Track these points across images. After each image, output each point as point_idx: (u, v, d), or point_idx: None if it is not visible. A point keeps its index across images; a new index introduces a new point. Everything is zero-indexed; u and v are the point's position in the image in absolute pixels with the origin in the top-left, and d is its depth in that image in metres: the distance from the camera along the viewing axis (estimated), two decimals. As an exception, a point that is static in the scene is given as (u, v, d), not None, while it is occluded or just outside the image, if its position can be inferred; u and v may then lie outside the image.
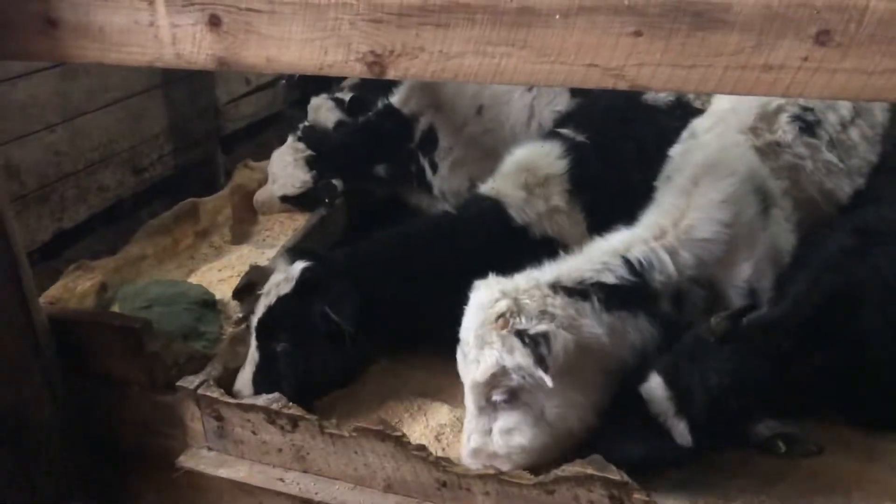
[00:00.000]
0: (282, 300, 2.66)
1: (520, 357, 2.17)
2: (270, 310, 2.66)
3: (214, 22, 2.02)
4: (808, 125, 2.95)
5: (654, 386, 2.21)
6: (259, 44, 2.01)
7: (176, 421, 2.58)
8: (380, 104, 4.15)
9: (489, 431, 2.29)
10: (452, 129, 3.99)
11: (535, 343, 2.16)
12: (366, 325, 2.65)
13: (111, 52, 2.16)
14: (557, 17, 1.76)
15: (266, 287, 2.74)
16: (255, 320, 2.70)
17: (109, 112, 4.42)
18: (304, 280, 2.68)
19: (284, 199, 4.16)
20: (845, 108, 3.11)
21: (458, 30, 1.84)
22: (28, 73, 3.86)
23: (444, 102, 4.00)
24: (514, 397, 2.23)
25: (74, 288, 3.14)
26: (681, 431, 2.15)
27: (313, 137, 4.22)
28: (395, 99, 4.08)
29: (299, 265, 2.72)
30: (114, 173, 4.48)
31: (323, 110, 4.72)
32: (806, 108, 2.98)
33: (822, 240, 2.64)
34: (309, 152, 4.10)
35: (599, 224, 2.73)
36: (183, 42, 2.08)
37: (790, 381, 2.21)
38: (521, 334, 2.19)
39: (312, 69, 2.01)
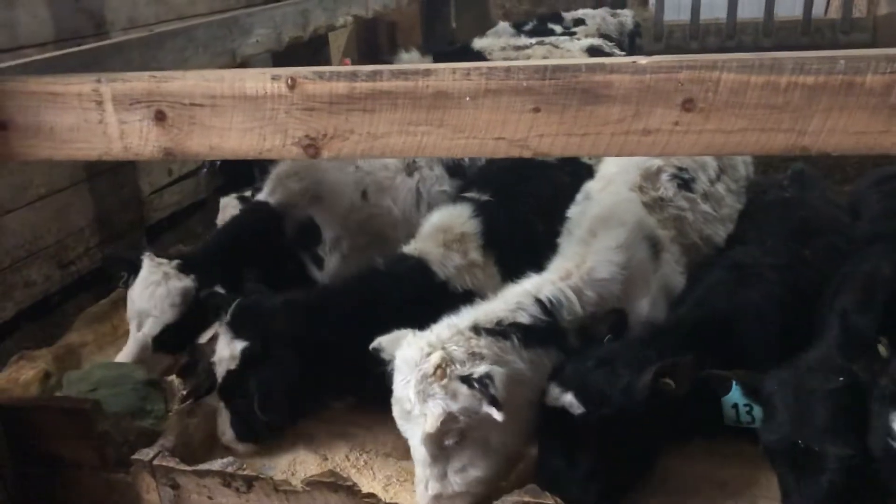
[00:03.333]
0: (231, 373, 2.93)
1: (464, 401, 2.38)
2: (224, 380, 2.95)
3: (160, 117, 2.23)
4: (684, 182, 3.43)
5: (550, 386, 2.51)
6: (202, 134, 2.23)
7: (130, 496, 2.67)
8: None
9: (445, 475, 2.46)
10: (337, 218, 3.85)
11: (483, 385, 2.36)
12: (310, 378, 2.94)
13: (61, 149, 2.33)
14: (468, 99, 2.04)
15: (217, 357, 2.97)
16: (218, 386, 3.00)
17: (34, 209, 4.47)
18: (245, 360, 2.92)
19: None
20: (712, 166, 3.61)
21: (383, 113, 2.10)
22: (-49, 174, 3.92)
23: (324, 192, 3.86)
24: (463, 437, 2.43)
25: (18, 378, 3.19)
26: (570, 402, 2.42)
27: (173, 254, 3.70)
28: (263, 192, 3.88)
29: (239, 345, 2.92)
30: (40, 268, 4.51)
31: (229, 209, 4.40)
32: (681, 168, 3.45)
33: (704, 275, 3.06)
34: (177, 261, 3.51)
35: (511, 275, 2.99)
36: (130, 136, 2.28)
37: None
38: (466, 380, 2.39)
39: (253, 154, 2.24)
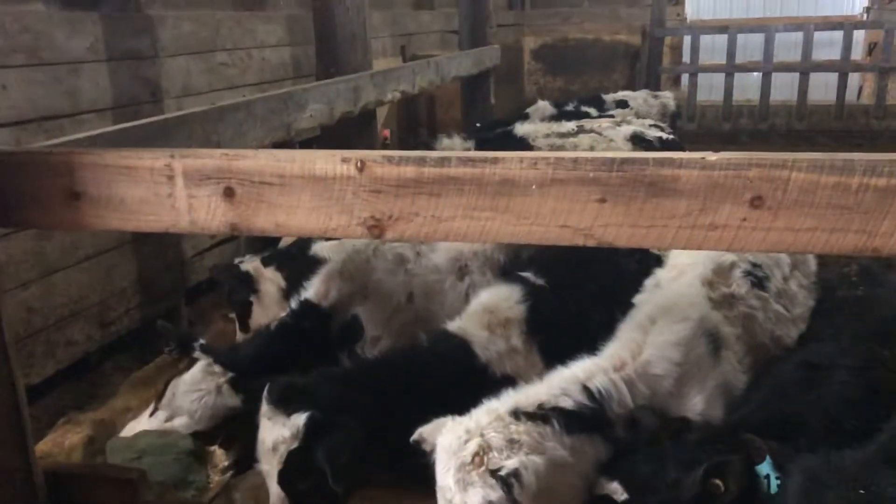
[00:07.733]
0: (293, 453, 2.80)
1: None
2: (287, 464, 2.80)
3: (229, 193, 2.27)
4: (758, 280, 3.34)
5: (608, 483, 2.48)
6: (269, 211, 2.26)
7: (172, 569, 2.64)
8: (293, 303, 3.85)
9: None
10: (381, 318, 3.81)
11: (506, 485, 2.33)
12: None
13: (130, 221, 2.37)
14: (534, 187, 2.07)
15: (270, 442, 2.85)
16: (274, 473, 2.82)
17: (81, 268, 4.55)
18: (308, 433, 2.82)
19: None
20: (785, 263, 3.54)
21: (449, 198, 2.12)
22: (6, 234, 3.98)
23: (371, 290, 3.85)
24: None
25: (63, 442, 3.21)
26: (613, 488, 2.43)
27: (224, 356, 3.54)
28: (311, 293, 3.81)
29: (300, 418, 2.83)
30: (82, 328, 4.56)
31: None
32: (755, 265, 3.38)
33: (773, 372, 2.99)
34: (229, 374, 3.43)
35: (556, 363, 2.93)
36: (198, 211, 2.31)
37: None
38: (494, 474, 2.35)
39: (318, 233, 2.28)
